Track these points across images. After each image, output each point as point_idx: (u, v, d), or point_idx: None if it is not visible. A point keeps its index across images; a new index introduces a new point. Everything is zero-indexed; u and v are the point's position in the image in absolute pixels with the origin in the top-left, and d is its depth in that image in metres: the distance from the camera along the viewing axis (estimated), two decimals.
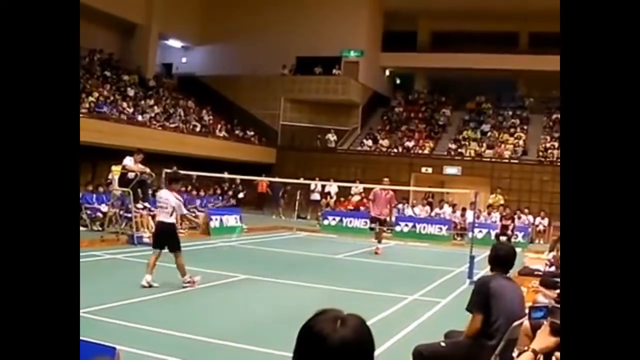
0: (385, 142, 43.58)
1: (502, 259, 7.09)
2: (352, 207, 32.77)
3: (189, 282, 13.56)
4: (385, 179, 24.47)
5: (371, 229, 23.31)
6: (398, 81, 52.91)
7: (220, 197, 30.39)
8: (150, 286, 13.01)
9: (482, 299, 6.71)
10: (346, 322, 2.34)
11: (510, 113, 45.34)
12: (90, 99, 31.41)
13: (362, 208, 31.66)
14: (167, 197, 13.87)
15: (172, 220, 13.97)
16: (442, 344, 6.95)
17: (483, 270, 15.29)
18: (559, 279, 8.60)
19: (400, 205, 32.62)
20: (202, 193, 29.40)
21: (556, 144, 38.86)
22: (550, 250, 17.10)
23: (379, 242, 22.72)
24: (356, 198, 33.26)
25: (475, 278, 16.11)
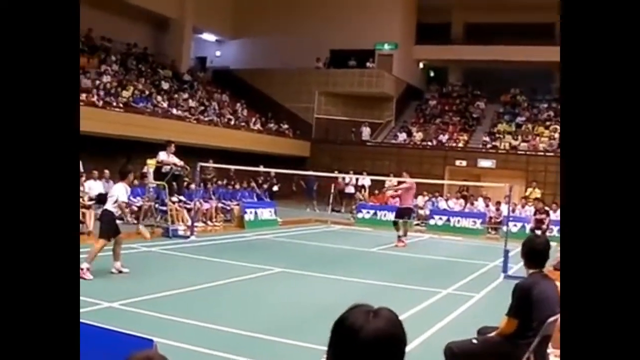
0: (419, 135, 43.48)
1: (539, 254, 6.71)
2: (386, 202, 32.65)
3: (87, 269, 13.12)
4: (404, 173, 24.52)
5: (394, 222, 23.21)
6: (432, 74, 52.74)
7: (253, 193, 30.41)
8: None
9: (523, 306, 6.43)
10: (379, 314, 2.41)
11: (546, 105, 44.98)
12: (126, 93, 31.64)
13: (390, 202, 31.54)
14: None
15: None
16: (474, 340, 6.80)
17: (517, 264, 15.19)
18: None
19: (434, 199, 32.59)
20: (237, 187, 29.45)
21: None
22: None
23: (404, 234, 22.65)
24: (390, 192, 33.20)
25: (509, 272, 16.12)
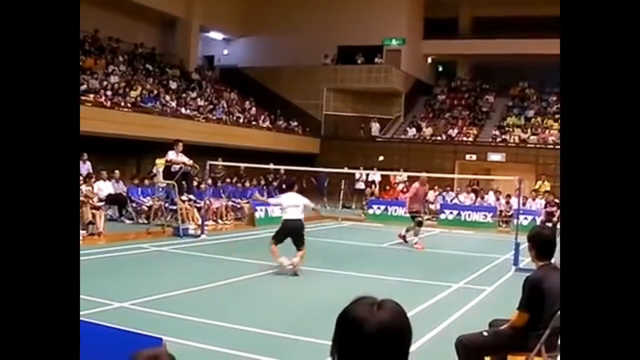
0: (429, 130, 43.45)
1: (549, 245, 6.58)
2: (396, 197, 32.57)
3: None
4: (424, 173, 23.83)
5: (413, 217, 22.42)
6: (440, 68, 52.72)
7: (264, 189, 30.38)
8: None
9: (533, 300, 6.39)
10: (383, 306, 2.39)
11: (555, 98, 44.77)
12: (134, 93, 31.65)
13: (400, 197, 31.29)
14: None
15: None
16: (485, 333, 6.74)
17: (528, 257, 15.14)
18: None
19: (444, 193, 32.56)
20: (247, 184, 29.38)
21: None
22: None
23: (416, 235, 21.91)
24: (400, 187, 33.14)
25: (520, 265, 16.11)
